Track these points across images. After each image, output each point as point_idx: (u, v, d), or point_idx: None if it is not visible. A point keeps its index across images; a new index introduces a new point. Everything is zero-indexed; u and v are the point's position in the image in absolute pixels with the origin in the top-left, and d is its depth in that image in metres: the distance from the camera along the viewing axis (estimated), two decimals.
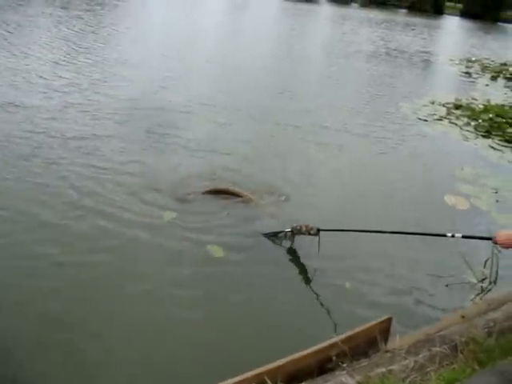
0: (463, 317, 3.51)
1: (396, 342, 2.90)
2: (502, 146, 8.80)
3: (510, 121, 10.20)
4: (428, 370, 2.56)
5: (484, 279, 4.42)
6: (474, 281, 4.40)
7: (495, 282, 4.39)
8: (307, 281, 4.23)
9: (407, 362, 2.60)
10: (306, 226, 4.30)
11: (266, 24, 23.34)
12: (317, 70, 14.18)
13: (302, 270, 4.34)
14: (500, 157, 8.21)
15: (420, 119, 10.00)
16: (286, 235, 4.57)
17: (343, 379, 2.25)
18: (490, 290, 4.33)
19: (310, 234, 4.29)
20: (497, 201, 6.25)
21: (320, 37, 21.08)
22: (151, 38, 15.64)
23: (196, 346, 3.29)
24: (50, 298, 3.49)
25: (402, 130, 8.99)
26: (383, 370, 2.53)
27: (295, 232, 4.44)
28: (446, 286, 4.33)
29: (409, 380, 2.46)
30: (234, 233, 4.68)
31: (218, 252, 4.29)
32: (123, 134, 6.80)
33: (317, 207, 5.51)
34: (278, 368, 2.55)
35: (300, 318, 3.71)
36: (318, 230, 4.25)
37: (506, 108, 11.51)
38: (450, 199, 5.98)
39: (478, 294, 4.27)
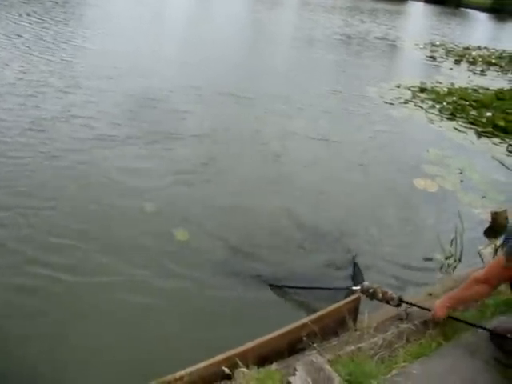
0: (430, 294, 3.56)
1: (365, 320, 2.92)
2: (466, 127, 8.94)
3: (473, 103, 10.38)
4: (396, 346, 2.59)
5: (450, 257, 4.50)
6: (442, 259, 4.49)
7: (460, 260, 4.47)
8: None
9: (376, 339, 2.62)
10: (384, 293, 3.17)
11: (231, 12, 23.03)
12: (283, 59, 14.00)
13: None
14: (464, 138, 8.34)
15: (386, 103, 10.06)
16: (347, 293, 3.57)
17: (313, 359, 2.25)
18: (455, 267, 4.41)
19: (387, 302, 3.14)
20: (461, 181, 6.35)
21: (284, 25, 20.84)
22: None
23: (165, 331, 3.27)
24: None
25: (368, 113, 9.03)
26: (352, 347, 2.55)
27: (366, 294, 3.29)
28: (415, 264, 4.41)
29: (377, 356, 2.48)
30: None
31: None
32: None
33: (291, 191, 5.48)
34: (249, 350, 2.55)
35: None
36: (400, 301, 3.08)
37: (469, 91, 11.71)
38: (419, 182, 6.06)
39: (445, 271, 4.36)
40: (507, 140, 8.42)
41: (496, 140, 8.42)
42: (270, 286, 3.80)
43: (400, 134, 8.20)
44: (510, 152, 7.88)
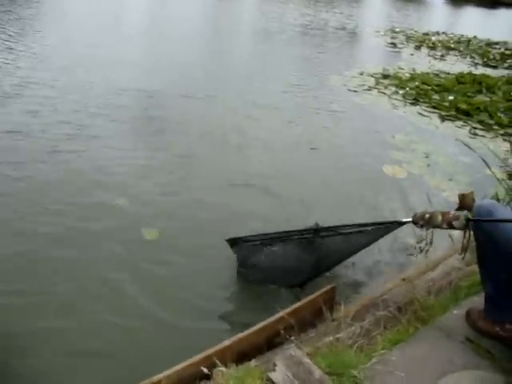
0: (404, 279, 3.57)
1: (341, 310, 2.91)
2: (430, 112, 9.05)
3: (435, 88, 10.51)
4: (374, 334, 2.59)
5: (421, 241, 4.54)
6: (414, 243, 4.52)
7: (431, 243, 4.51)
8: None
9: (353, 328, 2.62)
10: (444, 214, 2.57)
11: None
12: (241, 55, 13.70)
13: None
14: (428, 123, 8.44)
15: (350, 90, 10.10)
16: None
17: (292, 352, 2.22)
18: (427, 250, 4.46)
19: (450, 226, 2.55)
20: (428, 165, 6.42)
21: (239, 19, 20.57)
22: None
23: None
24: None
25: (332, 102, 9.02)
26: (331, 338, 2.54)
27: (421, 224, 2.79)
28: (388, 250, 4.42)
29: (356, 345, 2.46)
30: None
31: None
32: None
33: (257, 183, 5.45)
34: (227, 348, 2.51)
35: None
36: (469, 220, 2.45)
37: (431, 76, 11.86)
38: (388, 169, 6.10)
39: (418, 255, 4.40)
40: (470, 123, 8.55)
41: (459, 123, 8.54)
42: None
43: (365, 121, 8.22)
44: (472, 134, 8.01)
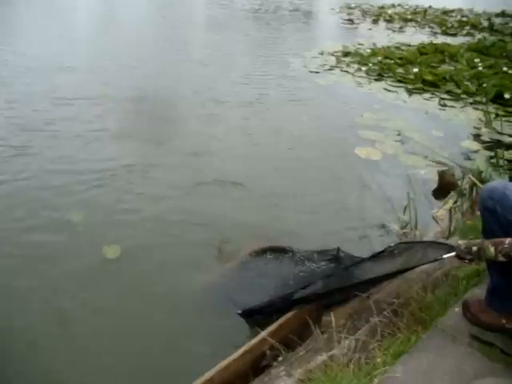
0: None
1: (331, 319, 2.61)
2: (396, 86, 8.83)
3: (398, 61, 10.30)
4: (371, 346, 2.29)
5: (406, 225, 4.27)
6: (397, 228, 4.26)
7: (416, 227, 4.25)
8: None
9: (347, 342, 2.32)
10: (497, 244, 2.02)
11: None
12: (195, 44, 13.13)
13: None
14: (395, 98, 8.21)
15: (312, 72, 9.80)
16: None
17: (282, 383, 1.92)
18: (414, 235, 4.18)
19: (509, 257, 1.98)
20: (402, 143, 6.17)
21: (186, 8, 19.90)
22: None
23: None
24: None
25: (295, 86, 8.67)
26: (324, 357, 2.23)
27: (467, 258, 2.25)
28: (373, 237, 4.14)
29: (353, 363, 2.17)
30: None
31: None
32: None
33: (223, 168, 5.15)
34: (208, 381, 2.19)
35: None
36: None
37: (392, 49, 11.66)
38: (361, 151, 5.80)
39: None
40: (437, 94, 8.37)
41: (427, 95, 8.34)
42: None
43: (331, 102, 7.92)
44: (442, 106, 7.81)
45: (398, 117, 7.16)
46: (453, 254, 2.28)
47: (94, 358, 2.78)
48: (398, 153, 5.83)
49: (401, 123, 6.86)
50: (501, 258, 2.00)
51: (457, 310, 2.45)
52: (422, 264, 2.63)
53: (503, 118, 6.83)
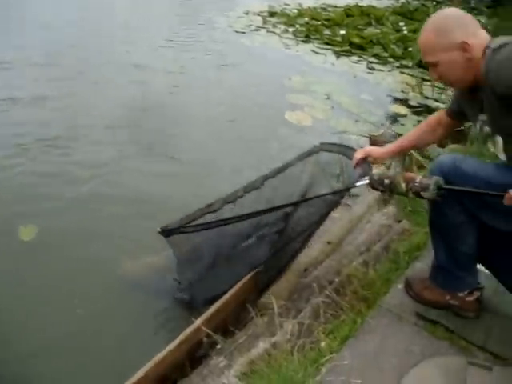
0: (329, 242, 3.19)
1: (270, 299, 2.45)
2: (323, 48, 8.70)
3: (325, 23, 10.17)
4: (315, 330, 2.15)
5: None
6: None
7: (349, 195, 4.15)
8: None
9: (290, 326, 2.15)
10: (410, 180, 1.95)
11: None
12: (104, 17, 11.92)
13: None
14: (323, 61, 8.08)
15: (238, 32, 9.47)
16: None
17: (225, 381, 1.74)
18: (347, 204, 4.09)
19: (417, 195, 1.92)
20: (332, 107, 6.05)
21: None
22: None
23: None
24: None
25: (221, 48, 8.30)
26: (266, 345, 2.06)
27: (380, 188, 2.12)
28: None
29: (297, 349, 2.02)
30: None
31: None
32: None
33: (150, 139, 4.80)
34: (141, 380, 1.97)
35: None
36: (440, 189, 1.86)
37: (319, 10, 11.50)
38: (291, 116, 5.61)
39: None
40: (365, 57, 8.32)
41: (354, 58, 8.27)
42: None
43: (258, 65, 7.64)
44: (370, 69, 7.77)
45: (327, 80, 7.04)
46: (366, 181, 2.18)
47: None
48: (329, 117, 5.71)
49: (330, 87, 6.74)
50: (411, 195, 1.99)
51: (400, 286, 2.36)
52: (337, 192, 2.54)
53: (429, 83, 6.88)
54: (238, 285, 2.49)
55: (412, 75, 7.10)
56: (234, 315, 2.43)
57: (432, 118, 2.23)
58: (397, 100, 6.56)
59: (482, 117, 1.83)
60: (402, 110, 6.17)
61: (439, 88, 6.73)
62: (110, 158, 4.42)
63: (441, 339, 2.09)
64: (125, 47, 7.86)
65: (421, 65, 7.83)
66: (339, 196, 2.61)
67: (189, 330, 2.19)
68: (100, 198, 3.79)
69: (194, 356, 2.21)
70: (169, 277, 2.77)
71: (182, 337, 2.15)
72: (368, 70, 7.69)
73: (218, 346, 2.22)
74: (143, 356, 2.09)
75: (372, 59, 8.22)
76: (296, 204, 2.66)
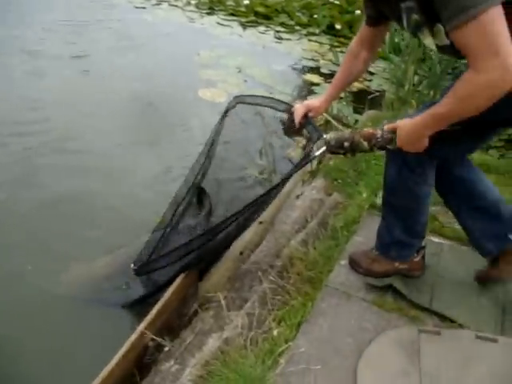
0: (261, 222, 3.11)
1: (210, 287, 2.36)
2: (229, 20, 8.51)
3: None
4: (267, 320, 2.08)
5: (264, 170, 4.09)
6: (256, 174, 4.05)
7: (275, 172, 4.10)
8: None
9: (239, 319, 2.07)
10: (371, 136, 1.84)
11: None
12: None
13: None
14: (230, 33, 7.91)
15: (137, 7, 9.03)
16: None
17: None
18: (271, 180, 4.03)
19: (382, 148, 1.86)
20: (245, 80, 5.94)
21: None
22: None
23: None
24: None
25: (120, 26, 7.74)
26: (217, 343, 1.97)
27: (340, 151, 1.95)
28: (227, 183, 3.85)
29: (251, 343, 1.95)
30: None
31: None
32: None
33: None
34: None
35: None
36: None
37: None
38: (205, 93, 5.44)
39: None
40: (272, 27, 8.24)
41: (262, 28, 8.17)
42: None
43: (163, 42, 7.26)
44: (278, 39, 7.71)
45: (236, 52, 6.89)
46: (323, 149, 2.02)
47: None
48: (243, 91, 5.58)
49: (240, 59, 6.61)
50: (377, 151, 1.92)
51: (342, 263, 2.35)
52: (296, 170, 2.31)
53: (338, 49, 6.93)
54: (177, 280, 2.36)
55: (320, 42, 7.11)
56: (177, 313, 2.32)
57: (352, 44, 2.07)
58: (309, 69, 6.56)
59: (407, 3, 1.54)
60: (315, 78, 6.17)
61: None
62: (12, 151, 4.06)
63: (390, 311, 2.10)
64: (13, 31, 7.11)
65: (327, 31, 7.90)
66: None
67: (133, 336, 2.05)
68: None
69: (142, 363, 2.08)
70: (106, 284, 2.60)
71: (128, 344, 2.01)
72: (276, 40, 7.62)
73: (166, 349, 2.11)
74: (87, 375, 1.93)
75: (279, 28, 8.16)
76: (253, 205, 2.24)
